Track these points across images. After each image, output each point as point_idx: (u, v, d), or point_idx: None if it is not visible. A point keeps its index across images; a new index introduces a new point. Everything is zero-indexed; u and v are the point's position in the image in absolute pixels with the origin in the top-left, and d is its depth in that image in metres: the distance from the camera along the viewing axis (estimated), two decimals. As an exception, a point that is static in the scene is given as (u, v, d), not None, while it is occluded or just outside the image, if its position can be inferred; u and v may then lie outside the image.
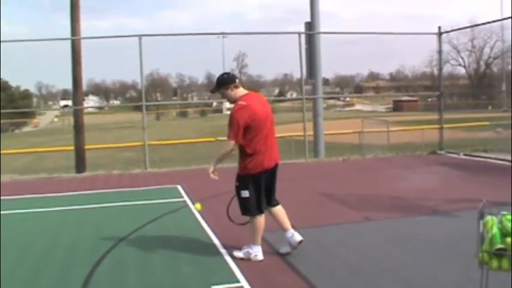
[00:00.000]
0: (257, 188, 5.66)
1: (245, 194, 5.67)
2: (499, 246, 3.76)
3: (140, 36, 12.98)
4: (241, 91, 5.73)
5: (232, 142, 5.53)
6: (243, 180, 5.70)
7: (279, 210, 5.94)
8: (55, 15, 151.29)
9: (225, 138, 5.64)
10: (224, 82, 5.73)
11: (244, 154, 5.63)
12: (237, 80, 5.78)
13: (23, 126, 64.03)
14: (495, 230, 3.81)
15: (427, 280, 4.99)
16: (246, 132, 5.50)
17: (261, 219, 5.73)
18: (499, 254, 3.78)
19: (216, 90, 5.82)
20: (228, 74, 5.87)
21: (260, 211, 5.72)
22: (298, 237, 5.83)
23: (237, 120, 5.49)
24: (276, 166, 5.78)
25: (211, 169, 5.75)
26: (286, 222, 5.90)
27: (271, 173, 5.74)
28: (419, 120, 28.42)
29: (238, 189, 5.73)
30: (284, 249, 5.90)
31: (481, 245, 3.86)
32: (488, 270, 3.88)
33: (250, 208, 5.69)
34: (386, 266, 5.41)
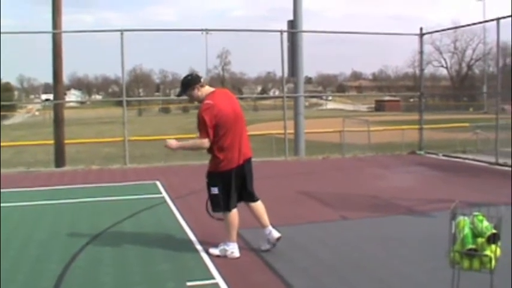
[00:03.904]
0: (227, 186, 5.66)
1: (214, 190, 5.69)
2: (471, 246, 3.81)
3: (122, 31, 12.92)
4: (207, 90, 5.71)
5: (207, 140, 5.50)
6: (212, 177, 5.72)
7: (258, 205, 5.91)
8: (38, 8, 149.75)
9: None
10: (189, 83, 5.72)
11: (213, 152, 5.63)
12: (202, 80, 5.76)
13: (4, 119, 63.47)
14: (467, 230, 3.86)
15: (401, 279, 5.03)
16: (214, 131, 5.50)
17: (233, 216, 5.73)
18: (470, 254, 3.83)
19: (182, 93, 5.83)
20: (191, 75, 5.85)
21: (228, 208, 5.71)
22: (276, 234, 5.84)
23: (205, 120, 5.47)
24: (246, 162, 5.77)
25: (174, 146, 5.71)
26: (264, 219, 5.88)
27: (242, 169, 5.72)
28: (400, 121, 28.54)
29: (208, 186, 5.76)
30: (265, 246, 5.90)
31: (452, 245, 3.91)
32: (460, 270, 3.93)
33: (219, 204, 5.71)
34: (362, 265, 5.44)
